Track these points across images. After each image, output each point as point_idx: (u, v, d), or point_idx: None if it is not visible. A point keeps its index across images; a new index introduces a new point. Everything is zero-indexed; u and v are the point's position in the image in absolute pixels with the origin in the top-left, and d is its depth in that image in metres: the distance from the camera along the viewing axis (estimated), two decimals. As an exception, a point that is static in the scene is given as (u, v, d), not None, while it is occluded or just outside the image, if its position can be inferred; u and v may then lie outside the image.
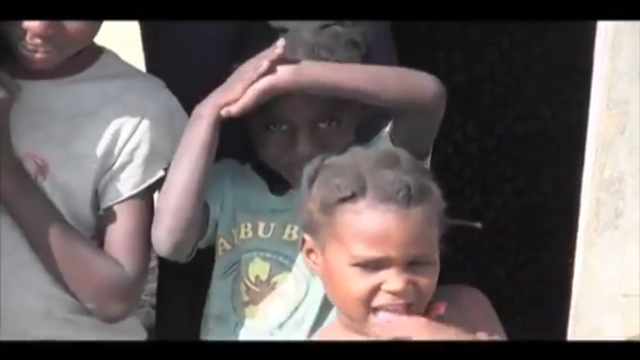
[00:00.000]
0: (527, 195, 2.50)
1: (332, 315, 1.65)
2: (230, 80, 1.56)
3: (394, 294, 1.47)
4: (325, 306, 1.69)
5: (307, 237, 1.55)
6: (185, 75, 1.67)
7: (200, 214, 1.65)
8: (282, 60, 1.54)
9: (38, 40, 1.45)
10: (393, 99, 1.68)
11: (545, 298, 1.75)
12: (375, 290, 1.48)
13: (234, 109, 1.52)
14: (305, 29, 1.65)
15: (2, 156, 1.48)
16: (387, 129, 1.73)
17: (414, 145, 1.70)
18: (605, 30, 1.41)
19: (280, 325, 1.71)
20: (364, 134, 1.71)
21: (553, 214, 2.09)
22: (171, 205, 1.59)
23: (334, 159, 1.56)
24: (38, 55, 1.47)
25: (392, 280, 1.47)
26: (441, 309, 1.54)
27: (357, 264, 1.48)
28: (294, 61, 1.57)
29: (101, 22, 1.55)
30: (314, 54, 1.58)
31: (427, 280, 1.51)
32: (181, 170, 1.58)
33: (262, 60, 1.49)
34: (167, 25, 1.73)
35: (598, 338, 1.41)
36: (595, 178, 1.37)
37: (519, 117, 2.72)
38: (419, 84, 1.70)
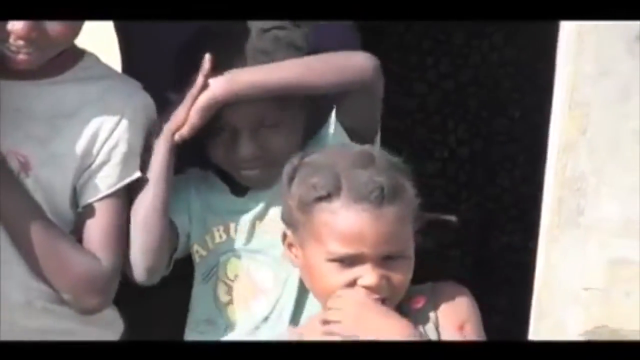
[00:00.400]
0: (484, 192, 2.59)
1: (310, 302, 1.72)
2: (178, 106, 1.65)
3: (368, 288, 1.53)
4: (304, 294, 1.73)
5: (287, 232, 1.61)
6: (160, 75, 1.69)
7: (168, 231, 1.71)
8: (217, 72, 1.60)
9: (21, 42, 1.49)
10: (333, 83, 1.72)
11: (508, 292, 1.82)
12: (351, 285, 1.54)
13: (184, 132, 1.61)
14: (247, 34, 1.68)
15: None
16: (333, 115, 1.77)
17: (362, 126, 1.78)
18: (569, 33, 1.46)
19: (266, 319, 1.76)
20: (312, 128, 1.76)
21: (514, 210, 2.16)
22: (141, 226, 1.66)
23: (312, 157, 1.61)
24: (20, 57, 1.51)
25: (367, 275, 1.52)
26: (420, 303, 1.59)
27: (333, 260, 1.53)
28: (229, 72, 1.62)
29: (82, 25, 1.58)
30: (255, 60, 1.63)
31: (401, 275, 1.57)
32: (146, 194, 1.66)
33: (198, 79, 1.58)
34: (141, 26, 1.76)
35: (561, 331, 1.47)
36: (558, 177, 1.43)
37: (493, 117, 2.83)
38: (353, 62, 1.75)
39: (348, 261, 1.54)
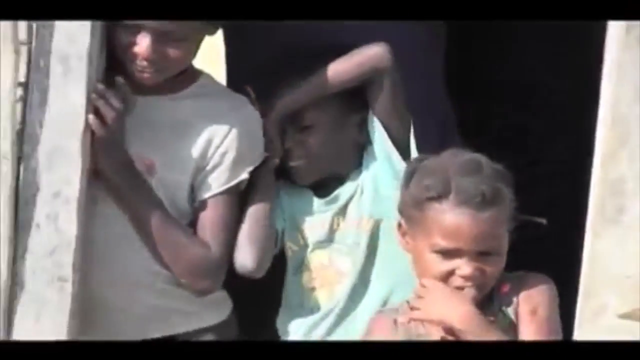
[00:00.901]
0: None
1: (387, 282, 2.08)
2: None
3: (464, 277, 1.82)
4: (377, 273, 2.09)
5: (402, 222, 1.90)
6: (261, 89, 2.04)
7: (272, 234, 2.07)
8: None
9: (145, 63, 1.81)
10: (358, 75, 2.07)
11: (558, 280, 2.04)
12: (450, 273, 1.83)
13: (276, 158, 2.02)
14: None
15: (119, 156, 1.82)
16: (370, 114, 2.11)
17: (394, 115, 2.10)
18: (611, 60, 1.71)
19: (348, 298, 2.08)
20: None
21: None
22: (251, 235, 2.00)
23: (428, 161, 1.91)
24: (145, 75, 1.83)
25: (463, 267, 1.81)
26: (505, 288, 1.88)
27: (436, 252, 1.83)
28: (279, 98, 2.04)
29: (197, 50, 1.91)
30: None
31: (492, 268, 1.85)
32: (257, 205, 2.02)
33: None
34: (244, 48, 2.15)
35: (603, 311, 1.71)
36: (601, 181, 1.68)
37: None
38: (370, 53, 2.09)
39: (449, 254, 1.83)
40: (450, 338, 1.90)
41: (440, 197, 1.87)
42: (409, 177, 1.96)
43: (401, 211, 1.97)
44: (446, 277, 1.88)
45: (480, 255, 1.85)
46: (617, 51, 1.81)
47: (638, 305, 1.74)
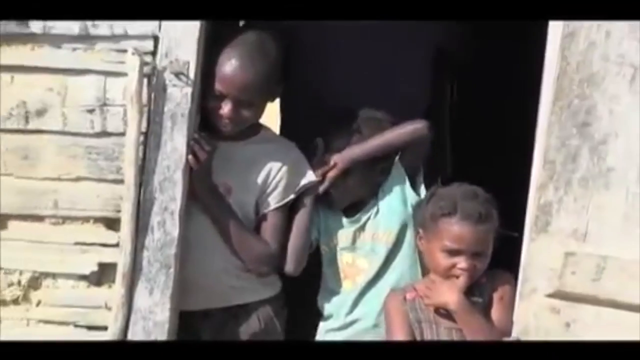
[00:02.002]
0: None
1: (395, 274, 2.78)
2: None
3: (462, 269, 2.52)
4: (389, 262, 2.81)
5: (420, 230, 2.62)
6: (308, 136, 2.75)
7: (308, 241, 2.77)
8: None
9: (227, 121, 2.54)
10: (405, 141, 2.74)
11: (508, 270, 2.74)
12: (453, 266, 2.53)
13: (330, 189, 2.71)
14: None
15: (207, 183, 2.55)
16: (397, 158, 2.79)
17: (413, 164, 2.79)
18: (542, 118, 2.39)
19: (366, 285, 2.79)
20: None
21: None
22: (293, 245, 2.70)
23: (441, 190, 2.65)
24: (227, 129, 2.56)
25: (462, 262, 2.52)
26: (483, 279, 2.58)
27: (444, 251, 2.53)
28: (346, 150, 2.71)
29: (263, 110, 2.66)
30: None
31: (481, 265, 2.56)
32: (299, 220, 2.72)
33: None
34: (295, 104, 2.86)
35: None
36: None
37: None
38: (415, 126, 2.76)
39: (452, 253, 2.52)
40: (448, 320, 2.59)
41: (449, 213, 2.59)
42: (428, 199, 2.69)
43: (421, 222, 2.69)
44: (449, 268, 2.56)
45: (475, 255, 2.56)
46: (546, 113, 2.45)
47: (559, 289, 2.38)
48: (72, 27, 2.53)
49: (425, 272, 2.91)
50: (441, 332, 2.67)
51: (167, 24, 2.53)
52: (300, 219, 2.77)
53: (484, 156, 3.24)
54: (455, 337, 2.65)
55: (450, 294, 2.58)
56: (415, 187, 2.88)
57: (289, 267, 2.78)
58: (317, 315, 3.04)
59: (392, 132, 2.82)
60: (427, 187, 2.86)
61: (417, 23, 2.82)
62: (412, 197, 2.90)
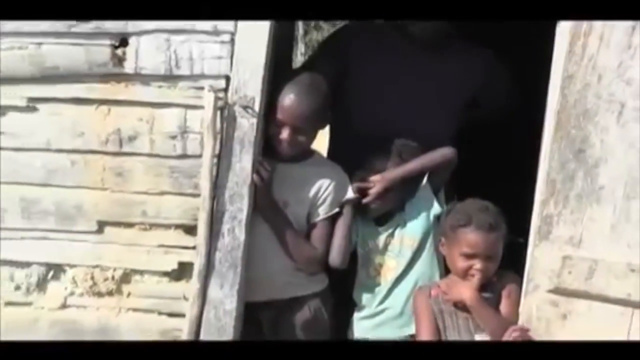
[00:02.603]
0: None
1: (417, 273, 3.15)
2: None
3: (477, 270, 2.86)
4: (414, 262, 3.17)
5: (442, 238, 2.96)
6: (350, 159, 3.13)
7: (350, 244, 3.14)
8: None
9: (285, 145, 2.94)
10: (437, 165, 3.13)
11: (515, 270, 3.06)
12: (470, 267, 2.87)
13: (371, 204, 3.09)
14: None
15: (268, 197, 2.94)
16: (425, 181, 3.15)
17: (438, 184, 3.17)
18: (545, 145, 2.80)
19: (394, 281, 3.17)
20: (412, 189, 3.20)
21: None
22: (339, 245, 3.08)
23: (458, 205, 3.00)
24: (285, 152, 2.97)
25: (478, 264, 2.86)
26: (494, 279, 2.92)
27: (462, 255, 2.88)
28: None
29: (314, 138, 3.04)
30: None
31: (492, 266, 2.90)
32: (342, 227, 3.09)
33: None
34: (342, 131, 3.26)
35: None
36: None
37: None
38: (444, 152, 3.14)
39: (469, 256, 2.86)
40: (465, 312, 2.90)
41: (465, 224, 2.93)
42: (448, 213, 3.05)
43: (442, 232, 3.04)
44: (467, 269, 2.90)
45: (487, 258, 2.90)
46: (548, 141, 2.80)
47: (557, 286, 2.75)
48: (158, 67, 2.88)
49: (446, 272, 3.20)
50: (460, 321, 2.99)
51: (237, 66, 2.87)
52: (343, 225, 3.14)
53: (498, 176, 3.57)
54: (472, 325, 2.96)
55: (466, 291, 2.92)
56: (437, 201, 3.22)
57: (337, 262, 3.14)
58: (353, 306, 3.38)
59: (425, 157, 3.19)
60: (446, 202, 3.22)
61: (459, 74, 3.28)
62: (434, 210, 3.25)
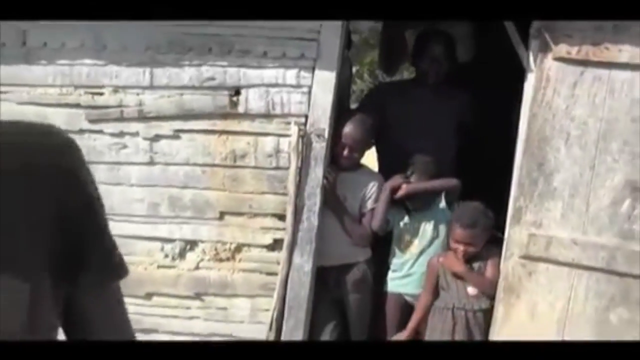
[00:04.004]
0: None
1: (433, 251, 4.00)
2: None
3: (461, 252, 3.72)
4: (432, 243, 4.02)
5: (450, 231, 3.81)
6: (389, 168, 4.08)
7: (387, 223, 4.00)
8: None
9: (345, 158, 3.87)
10: (446, 189, 3.96)
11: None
12: (456, 249, 3.73)
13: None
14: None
15: (334, 194, 3.83)
16: (442, 199, 3.97)
17: (451, 199, 3.96)
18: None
19: (417, 254, 4.04)
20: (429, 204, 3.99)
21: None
22: (379, 220, 3.97)
23: (460, 205, 3.85)
24: (345, 164, 3.88)
25: (461, 248, 3.70)
26: (482, 251, 3.74)
27: (453, 240, 3.77)
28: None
29: (364, 154, 4.00)
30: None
31: (473, 249, 3.76)
32: (384, 210, 3.98)
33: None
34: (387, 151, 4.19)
35: None
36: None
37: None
38: (451, 182, 3.98)
39: (456, 242, 3.73)
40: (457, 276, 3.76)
41: (455, 221, 3.77)
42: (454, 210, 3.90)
43: (449, 227, 3.86)
44: (455, 250, 3.75)
45: (467, 244, 3.74)
46: (519, 156, 3.70)
47: (526, 254, 3.61)
48: (260, 109, 3.75)
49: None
50: (458, 281, 3.83)
51: (312, 108, 3.73)
52: (381, 207, 3.96)
53: (487, 181, 4.16)
54: (465, 284, 3.81)
55: (455, 264, 3.84)
56: (450, 207, 4.05)
57: (376, 227, 3.97)
58: (387, 269, 4.15)
59: (440, 182, 4.02)
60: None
61: (451, 108, 4.12)
62: (447, 214, 4.01)
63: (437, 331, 3.85)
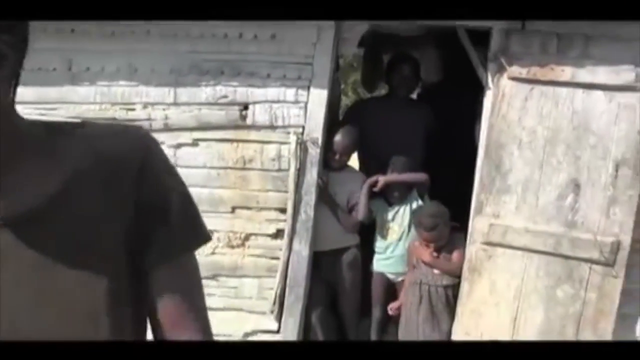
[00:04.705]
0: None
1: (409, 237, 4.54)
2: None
3: (428, 246, 4.21)
4: (409, 229, 4.51)
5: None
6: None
7: (370, 213, 4.51)
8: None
9: (335, 162, 4.43)
10: (417, 182, 4.49)
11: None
12: (424, 244, 4.23)
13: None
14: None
15: (326, 191, 4.37)
16: (415, 193, 4.49)
17: (422, 191, 4.52)
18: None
19: (397, 240, 4.56)
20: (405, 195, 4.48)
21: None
22: (364, 212, 4.49)
23: (421, 208, 4.27)
24: (335, 166, 4.43)
25: (427, 242, 4.19)
26: (448, 242, 4.20)
27: (424, 240, 4.23)
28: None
29: (350, 157, 4.57)
30: None
31: (438, 243, 4.21)
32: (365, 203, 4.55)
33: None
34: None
35: None
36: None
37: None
38: (421, 176, 4.48)
39: (428, 241, 4.18)
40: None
41: (417, 225, 4.18)
42: (415, 213, 4.24)
43: (415, 228, 4.24)
44: (427, 245, 4.17)
45: (432, 241, 4.14)
46: (481, 158, 4.33)
47: (486, 240, 4.09)
48: (265, 121, 4.18)
49: None
50: (427, 268, 4.25)
51: (308, 120, 4.15)
52: (363, 201, 4.40)
53: (453, 180, 4.55)
54: (434, 269, 4.21)
55: (426, 256, 4.27)
56: (422, 200, 4.53)
57: (361, 217, 4.39)
58: (373, 252, 4.58)
59: (411, 176, 4.52)
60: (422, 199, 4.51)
61: (418, 117, 4.60)
62: (418, 204, 4.50)
63: (409, 302, 4.37)
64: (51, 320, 1.17)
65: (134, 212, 1.22)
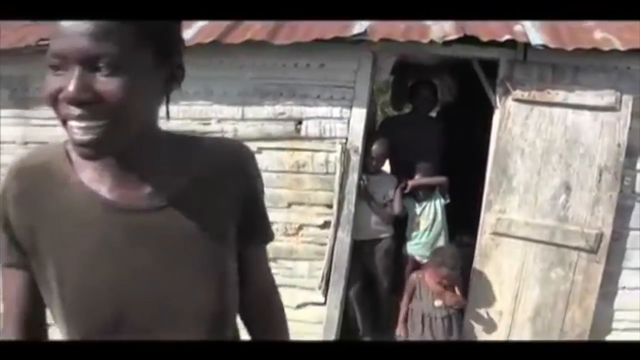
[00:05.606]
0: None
1: (436, 229, 5.22)
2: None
3: (450, 286, 4.61)
4: (434, 222, 5.21)
5: (425, 268, 4.73)
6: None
7: (402, 208, 5.24)
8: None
9: (374, 166, 5.09)
10: (438, 184, 5.12)
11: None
12: (443, 284, 4.53)
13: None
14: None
15: (366, 190, 5.05)
16: (438, 192, 5.09)
17: (443, 191, 5.15)
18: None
19: (426, 230, 5.21)
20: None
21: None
22: (397, 206, 5.19)
23: (438, 251, 4.70)
24: (372, 170, 5.14)
25: (450, 286, 4.57)
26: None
27: (442, 278, 4.58)
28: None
29: (384, 162, 5.30)
30: None
31: (453, 281, 4.57)
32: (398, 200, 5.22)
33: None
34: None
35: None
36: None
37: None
38: (442, 179, 5.13)
39: (446, 279, 4.50)
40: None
41: (439, 265, 4.46)
42: (433, 253, 4.64)
43: (428, 264, 4.59)
44: (444, 285, 4.44)
45: (454, 278, 4.43)
46: (490, 164, 4.85)
47: (494, 231, 4.69)
48: (315, 133, 4.70)
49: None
50: (428, 296, 4.48)
51: (351, 133, 4.66)
52: (397, 199, 5.02)
53: (467, 180, 5.03)
54: (434, 298, 4.44)
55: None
56: (444, 198, 5.07)
57: (396, 212, 4.92)
58: (406, 240, 5.09)
59: (434, 179, 5.07)
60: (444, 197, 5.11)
61: (437, 129, 5.22)
62: (442, 203, 5.04)
63: (413, 328, 4.73)
64: (197, 287, 1.30)
65: (240, 207, 1.38)
